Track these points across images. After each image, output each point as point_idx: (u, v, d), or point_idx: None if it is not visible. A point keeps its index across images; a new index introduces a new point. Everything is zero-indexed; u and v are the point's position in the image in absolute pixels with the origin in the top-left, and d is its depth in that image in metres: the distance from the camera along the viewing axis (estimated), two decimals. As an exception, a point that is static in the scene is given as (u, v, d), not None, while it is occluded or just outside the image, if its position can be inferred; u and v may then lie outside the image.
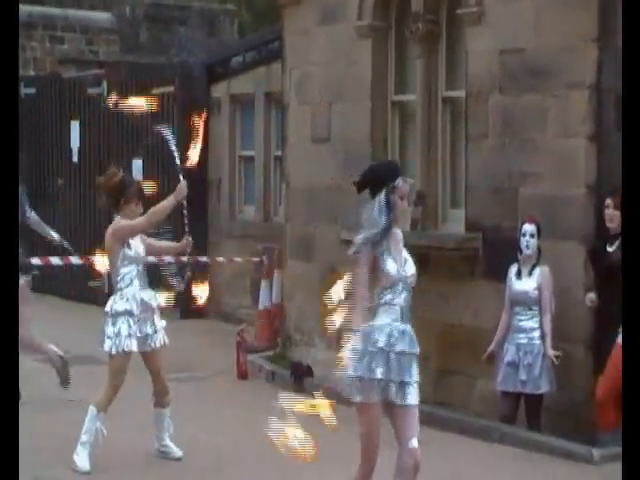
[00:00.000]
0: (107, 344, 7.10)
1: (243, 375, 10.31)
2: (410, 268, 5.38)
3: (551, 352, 7.64)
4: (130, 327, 7.11)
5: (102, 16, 19.45)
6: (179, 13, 18.62)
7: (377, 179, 5.37)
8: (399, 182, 5.33)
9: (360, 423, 5.40)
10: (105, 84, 15.01)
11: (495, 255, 8.29)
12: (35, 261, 13.30)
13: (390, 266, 5.27)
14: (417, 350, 5.34)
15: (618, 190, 7.52)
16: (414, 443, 5.40)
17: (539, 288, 7.80)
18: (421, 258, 8.93)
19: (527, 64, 8.16)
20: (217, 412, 8.98)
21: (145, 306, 7.16)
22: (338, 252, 9.77)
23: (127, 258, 7.25)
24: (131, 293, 7.17)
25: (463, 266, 8.64)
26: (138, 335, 7.12)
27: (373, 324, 5.28)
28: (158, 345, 7.22)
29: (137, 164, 14.48)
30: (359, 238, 5.32)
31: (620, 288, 7.33)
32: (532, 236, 7.80)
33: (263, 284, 11.53)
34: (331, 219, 9.90)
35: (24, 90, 16.34)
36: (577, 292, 7.77)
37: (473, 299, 8.59)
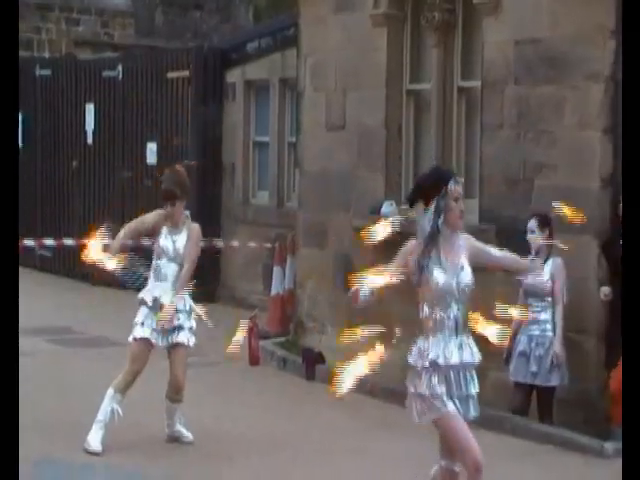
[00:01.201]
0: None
1: (255, 361, 10.33)
2: (465, 276, 5.16)
3: (558, 348, 7.64)
4: (145, 316, 7.21)
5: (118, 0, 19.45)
6: (195, -3, 18.62)
7: (427, 190, 5.13)
8: (451, 185, 5.10)
9: (446, 437, 5.19)
10: (120, 67, 15.02)
11: (509, 246, 8.22)
12: (49, 242, 13.36)
13: (437, 276, 5.08)
14: (476, 361, 5.18)
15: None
16: (459, 467, 5.26)
17: (552, 279, 7.79)
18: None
19: (543, 55, 8.12)
20: (228, 398, 9.02)
21: (157, 303, 7.24)
22: (351, 239, 9.78)
23: (156, 251, 7.37)
24: (151, 285, 7.30)
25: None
26: (154, 327, 7.21)
27: (428, 339, 5.14)
28: (177, 341, 7.29)
29: (151, 147, 14.51)
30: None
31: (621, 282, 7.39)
32: (532, 232, 7.77)
33: (275, 270, 11.54)
34: (344, 207, 9.90)
35: (39, 71, 16.38)
36: (591, 285, 7.75)
37: (486, 290, 8.57)
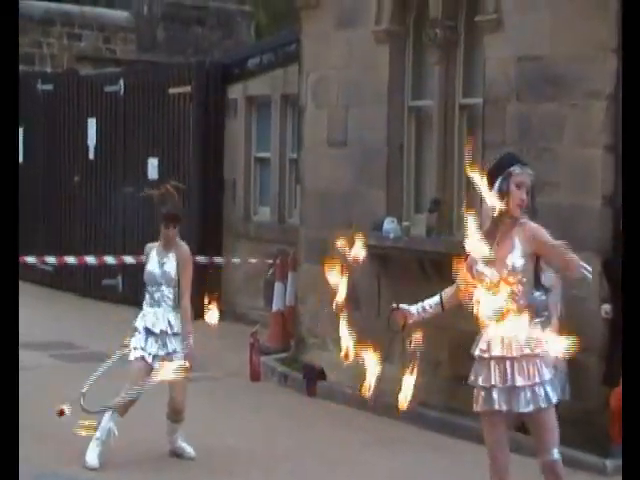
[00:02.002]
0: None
1: (256, 377, 10.33)
2: (514, 260, 4.94)
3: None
4: (138, 342, 7.30)
5: (120, 14, 19.51)
6: (196, 13, 18.66)
7: (492, 170, 5.00)
8: (515, 169, 4.99)
9: (484, 433, 5.22)
10: (122, 82, 15.07)
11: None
12: (50, 259, 13.38)
13: (483, 266, 4.88)
14: (519, 352, 4.95)
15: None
16: (555, 454, 5.15)
17: (546, 293, 7.79)
18: (435, 264, 8.99)
19: (545, 72, 8.16)
20: (229, 413, 9.02)
21: (149, 326, 7.32)
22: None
23: (146, 277, 7.46)
24: (145, 311, 7.40)
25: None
26: (150, 352, 7.29)
27: (483, 331, 5.04)
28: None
29: (152, 163, 14.54)
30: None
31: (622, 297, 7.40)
32: None
33: (277, 286, 11.55)
34: (346, 223, 9.91)
35: (41, 86, 16.42)
36: (592, 303, 7.76)
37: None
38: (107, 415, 7.17)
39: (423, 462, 7.77)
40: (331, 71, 10.13)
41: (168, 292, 7.38)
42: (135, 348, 7.29)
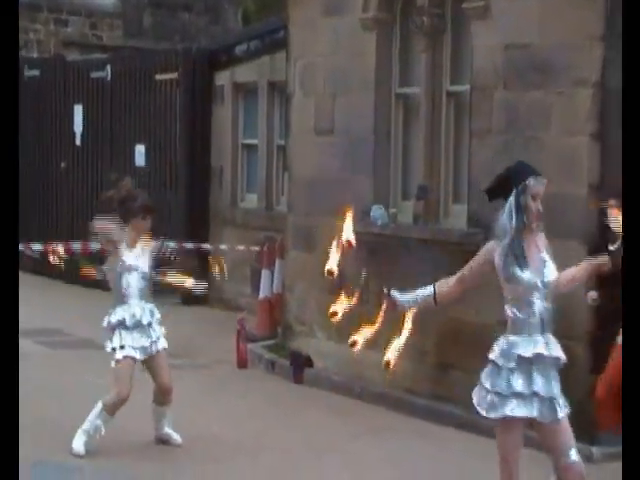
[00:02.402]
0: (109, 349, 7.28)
1: (243, 364, 10.35)
2: (549, 273, 5.04)
3: None
4: (123, 338, 7.21)
5: (106, 0, 19.42)
6: (183, -1, 18.61)
7: (505, 181, 5.05)
8: (530, 181, 5.02)
9: (497, 443, 5.07)
10: (109, 68, 15.01)
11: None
12: (37, 247, 13.34)
13: (520, 273, 4.95)
14: (559, 358, 5.04)
15: (621, 190, 7.56)
16: (574, 456, 5.12)
17: None
18: (422, 252, 9.00)
19: (532, 60, 8.16)
20: (216, 400, 9.03)
21: (135, 319, 7.24)
22: (339, 243, 9.79)
23: (121, 269, 7.29)
24: (123, 306, 7.27)
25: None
26: (133, 346, 7.22)
27: (511, 338, 5.00)
28: (154, 351, 7.30)
29: (140, 149, 14.50)
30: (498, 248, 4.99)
31: (621, 287, 7.40)
32: None
33: (264, 273, 11.55)
34: (333, 211, 9.89)
35: (27, 72, 16.35)
36: (578, 290, 7.74)
37: (475, 294, 8.58)
38: (96, 410, 7.17)
39: (410, 449, 7.80)
40: (318, 58, 10.11)
41: (143, 282, 7.33)
42: (122, 346, 7.20)
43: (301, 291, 10.31)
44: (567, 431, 5.09)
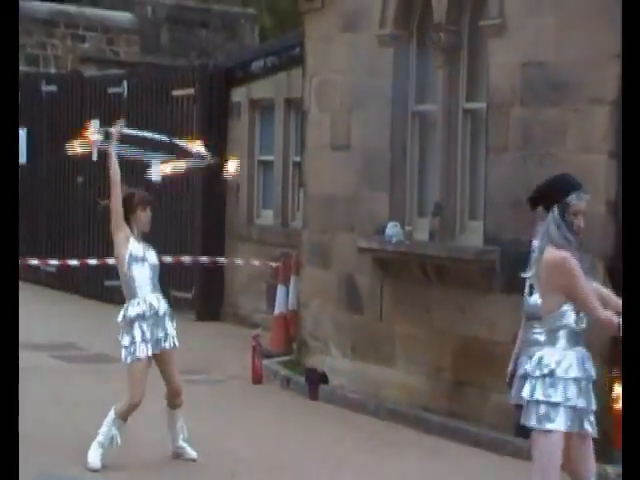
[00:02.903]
0: (123, 354, 7.23)
1: (258, 380, 10.35)
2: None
3: None
4: (144, 332, 7.17)
5: (123, 16, 19.53)
6: (200, 16, 18.67)
7: (548, 194, 5.11)
8: (572, 199, 5.08)
9: (536, 454, 5.13)
10: (125, 84, 15.08)
11: (513, 269, 8.28)
12: (53, 262, 13.40)
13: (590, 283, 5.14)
14: (591, 375, 5.16)
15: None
16: None
17: None
18: (438, 269, 9.00)
19: (549, 78, 8.16)
20: (231, 416, 9.02)
21: (154, 310, 7.22)
22: (355, 260, 9.80)
23: (132, 259, 7.26)
24: (138, 298, 7.22)
25: (480, 279, 8.64)
26: (152, 338, 7.19)
27: (547, 349, 5.15)
28: (168, 347, 7.26)
29: (155, 165, 14.51)
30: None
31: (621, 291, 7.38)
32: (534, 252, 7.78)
33: (279, 289, 11.56)
34: (348, 227, 9.92)
35: (45, 88, 16.44)
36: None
37: (490, 312, 8.59)
38: (109, 420, 7.15)
39: (424, 466, 7.77)
40: (335, 75, 10.14)
41: (152, 273, 7.32)
42: (142, 341, 7.12)
43: (316, 307, 10.31)
44: (591, 450, 5.18)
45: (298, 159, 12.04)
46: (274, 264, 12.07)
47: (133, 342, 7.14)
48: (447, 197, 9.11)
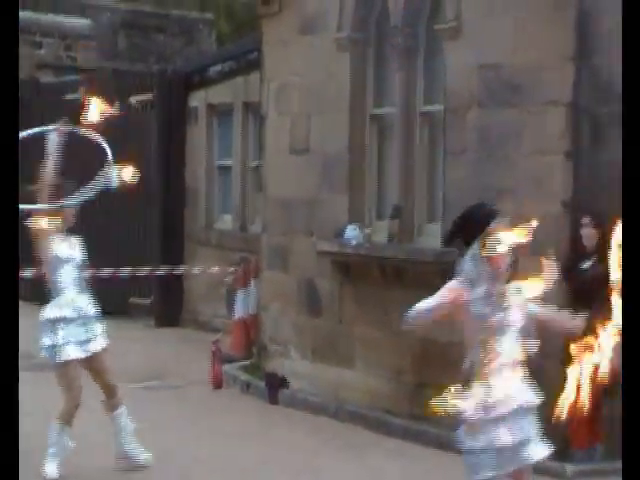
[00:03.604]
0: (45, 354, 7.03)
1: (218, 385, 10.31)
2: (512, 313, 4.90)
3: None
4: (68, 333, 6.95)
5: (80, 22, 19.39)
6: (158, 21, 18.59)
7: (470, 227, 4.89)
8: (492, 227, 4.86)
9: None
10: (83, 90, 14.97)
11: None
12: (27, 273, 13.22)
13: (481, 311, 4.83)
14: (531, 402, 4.91)
15: (596, 209, 7.61)
16: None
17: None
18: (397, 271, 9.02)
19: (505, 80, 8.21)
20: (191, 421, 8.97)
21: (81, 312, 7.01)
22: (314, 263, 9.80)
23: (58, 260, 7.06)
24: (68, 298, 7.02)
25: (439, 280, 8.60)
26: (78, 340, 6.97)
27: (485, 385, 4.84)
28: (96, 349, 7.07)
29: (113, 171, 14.43)
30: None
31: (594, 304, 7.43)
32: None
33: (239, 294, 11.53)
34: (308, 230, 9.92)
35: (1, 94, 16.28)
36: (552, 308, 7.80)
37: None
38: (54, 428, 7.01)
39: (385, 468, 7.78)
40: (293, 78, 10.14)
41: (82, 275, 7.15)
42: (67, 343, 6.91)
43: (276, 311, 10.29)
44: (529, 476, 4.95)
45: (257, 163, 12.02)
46: (233, 269, 12.04)
47: (56, 344, 6.95)
48: (406, 200, 9.14)
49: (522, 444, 4.86)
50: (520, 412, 4.87)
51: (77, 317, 6.99)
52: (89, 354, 7.06)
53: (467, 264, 4.85)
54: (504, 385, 4.85)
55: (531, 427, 4.92)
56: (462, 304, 4.88)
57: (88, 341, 7.04)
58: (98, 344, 7.11)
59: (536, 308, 5.00)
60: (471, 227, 4.84)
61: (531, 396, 4.94)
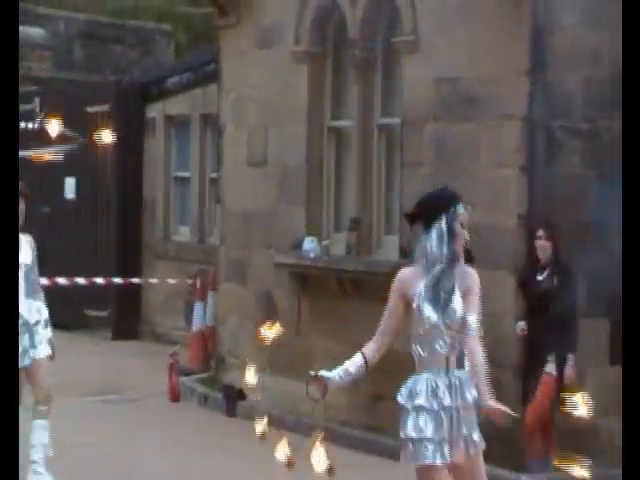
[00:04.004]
0: None
1: (175, 397, 10.27)
2: (456, 310, 4.68)
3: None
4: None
5: (35, 32, 19.24)
6: (114, 31, 18.51)
7: (435, 206, 4.71)
8: (460, 208, 4.72)
9: None
10: (38, 101, 14.87)
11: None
12: None
13: (427, 308, 4.69)
14: (469, 401, 4.71)
15: (549, 221, 7.70)
16: None
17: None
18: (355, 283, 9.04)
19: (461, 93, 8.29)
20: (148, 434, 8.93)
21: (22, 320, 6.59)
22: (272, 275, 9.80)
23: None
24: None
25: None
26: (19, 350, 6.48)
27: (418, 378, 4.79)
28: (38, 356, 6.76)
29: (69, 182, 14.37)
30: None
31: (549, 316, 7.51)
32: None
33: (197, 306, 11.50)
34: (266, 242, 9.92)
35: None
36: (507, 320, 7.88)
37: (405, 325, 8.65)
38: (42, 428, 6.73)
39: (347, 478, 7.78)
40: (250, 91, 10.16)
41: (32, 279, 6.83)
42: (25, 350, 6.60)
43: (234, 324, 10.28)
44: (480, 471, 4.82)
45: (215, 175, 12.01)
46: (191, 281, 12.01)
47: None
48: (363, 212, 9.18)
49: (454, 440, 4.70)
50: (449, 410, 4.71)
51: (23, 325, 6.63)
52: (28, 363, 6.71)
53: (430, 242, 4.70)
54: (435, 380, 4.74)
55: (463, 427, 4.74)
56: (408, 297, 4.78)
57: (27, 351, 6.70)
58: (44, 351, 6.82)
59: (472, 331, 4.72)
60: (435, 208, 4.72)
61: (460, 396, 4.74)
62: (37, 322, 6.81)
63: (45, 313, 6.92)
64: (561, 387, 7.49)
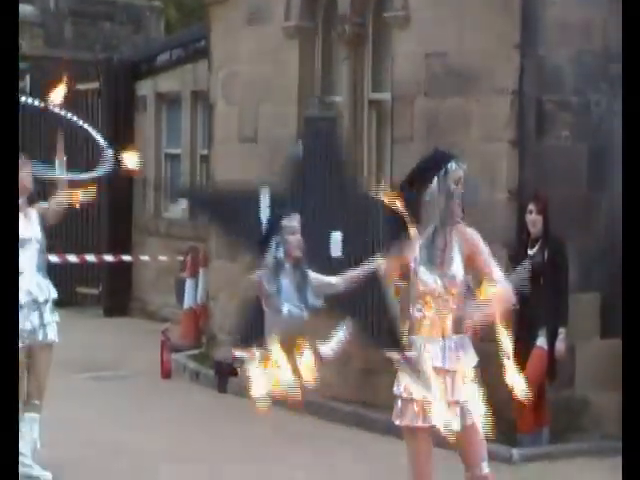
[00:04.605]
0: None
1: (167, 374, 10.28)
2: (455, 274, 4.57)
3: None
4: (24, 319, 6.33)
5: (26, 9, 19.12)
6: (104, 8, 18.41)
7: (425, 169, 4.57)
8: (452, 166, 4.57)
9: (407, 450, 4.74)
10: (28, 78, 14.80)
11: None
12: None
13: (423, 273, 4.55)
14: (465, 367, 4.69)
15: (540, 195, 7.70)
16: (485, 468, 4.82)
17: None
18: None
19: (452, 68, 8.27)
20: (139, 411, 8.94)
21: (31, 297, 6.43)
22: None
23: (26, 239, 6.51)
24: (24, 278, 6.32)
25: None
26: (23, 328, 6.27)
27: (413, 340, 4.63)
28: (41, 338, 6.49)
29: (60, 160, 14.29)
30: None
31: (540, 290, 7.51)
32: None
33: (188, 283, 11.50)
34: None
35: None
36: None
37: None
38: (33, 421, 6.55)
39: (332, 456, 7.81)
40: (241, 67, 10.11)
41: (42, 255, 6.62)
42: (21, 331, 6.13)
43: (225, 300, 10.27)
44: (477, 439, 4.81)
45: (205, 152, 11.98)
46: (182, 258, 12.00)
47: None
48: (354, 187, 9.16)
49: (446, 405, 4.64)
50: (442, 374, 4.63)
51: (32, 303, 6.43)
52: (31, 342, 6.46)
53: (424, 205, 4.53)
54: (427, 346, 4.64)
55: (458, 394, 4.71)
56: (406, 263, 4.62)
57: (34, 330, 6.48)
58: (44, 334, 6.53)
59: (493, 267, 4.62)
60: (425, 171, 4.57)
61: (454, 361, 4.67)
62: (46, 301, 6.53)
63: (54, 292, 6.62)
64: (552, 360, 7.52)
